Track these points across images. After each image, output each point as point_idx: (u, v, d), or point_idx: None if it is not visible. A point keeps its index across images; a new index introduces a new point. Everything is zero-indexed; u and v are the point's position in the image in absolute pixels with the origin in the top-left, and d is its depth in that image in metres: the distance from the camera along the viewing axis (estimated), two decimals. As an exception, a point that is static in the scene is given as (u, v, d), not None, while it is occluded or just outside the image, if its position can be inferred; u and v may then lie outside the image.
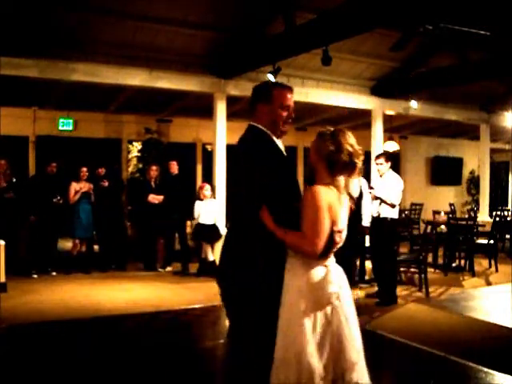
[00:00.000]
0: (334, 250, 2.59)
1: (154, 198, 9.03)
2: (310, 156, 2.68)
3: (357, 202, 5.82)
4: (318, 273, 2.53)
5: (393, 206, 6.61)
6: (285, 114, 2.72)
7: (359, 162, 2.57)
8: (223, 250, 2.83)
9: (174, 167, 9.16)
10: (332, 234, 2.52)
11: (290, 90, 2.80)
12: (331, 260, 2.60)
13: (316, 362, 2.45)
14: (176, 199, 8.94)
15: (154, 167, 9.32)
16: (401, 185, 6.80)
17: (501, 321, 5.90)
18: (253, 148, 2.70)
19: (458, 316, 6.25)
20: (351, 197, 2.68)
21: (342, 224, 2.59)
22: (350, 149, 2.54)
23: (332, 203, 2.52)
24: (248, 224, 2.59)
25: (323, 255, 2.54)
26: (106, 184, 8.93)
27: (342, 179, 2.58)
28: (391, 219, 6.64)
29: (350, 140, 2.57)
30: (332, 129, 2.62)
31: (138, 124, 11.54)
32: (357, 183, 5.95)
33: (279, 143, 2.76)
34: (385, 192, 6.61)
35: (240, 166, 2.70)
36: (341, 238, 2.59)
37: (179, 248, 9.16)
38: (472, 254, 8.91)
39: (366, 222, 6.88)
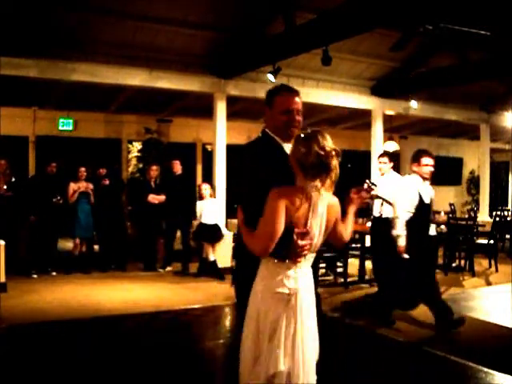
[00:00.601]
0: (303, 254, 2.50)
1: (154, 198, 9.02)
2: None
3: (427, 210, 5.79)
4: (276, 277, 2.50)
5: None
6: (285, 118, 2.73)
7: (332, 163, 2.49)
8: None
9: (177, 167, 9.09)
10: (290, 236, 2.45)
11: (294, 93, 2.78)
12: (301, 266, 2.53)
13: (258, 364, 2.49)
14: (178, 199, 8.94)
15: (154, 167, 9.30)
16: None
17: (501, 321, 5.91)
18: (248, 150, 2.81)
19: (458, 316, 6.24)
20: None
21: (313, 228, 2.52)
22: (321, 151, 2.47)
23: (292, 205, 2.46)
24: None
25: (285, 258, 2.50)
26: (107, 182, 8.94)
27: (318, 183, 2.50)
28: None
29: (323, 142, 2.50)
30: (309, 131, 2.57)
31: (138, 124, 11.54)
32: (428, 190, 5.92)
33: (287, 146, 2.72)
34: (388, 193, 6.48)
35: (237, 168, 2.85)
36: (311, 243, 2.52)
37: (180, 248, 9.16)
38: (472, 254, 8.91)
39: (433, 231, 6.25)
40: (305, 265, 2.56)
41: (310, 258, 2.58)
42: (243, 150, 2.82)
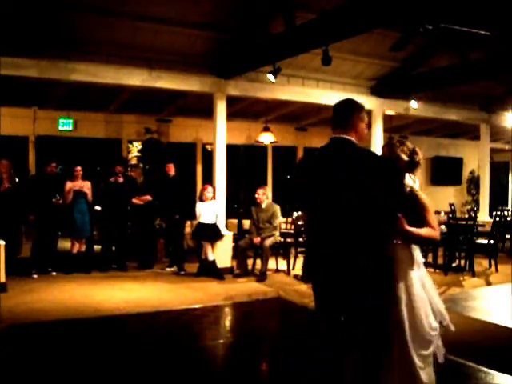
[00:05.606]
0: None
1: (138, 199, 9.06)
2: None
3: None
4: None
5: None
6: None
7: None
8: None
9: (172, 169, 9.19)
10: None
11: None
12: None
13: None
14: (173, 200, 8.95)
15: (133, 168, 9.38)
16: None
17: (501, 321, 5.90)
18: None
19: (458, 316, 6.24)
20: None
21: None
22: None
23: None
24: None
25: None
26: (121, 180, 8.94)
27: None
28: None
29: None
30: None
31: (138, 124, 11.53)
32: None
33: None
34: None
35: None
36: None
37: (176, 248, 9.15)
38: (472, 254, 8.90)
39: None
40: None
41: None
42: None
